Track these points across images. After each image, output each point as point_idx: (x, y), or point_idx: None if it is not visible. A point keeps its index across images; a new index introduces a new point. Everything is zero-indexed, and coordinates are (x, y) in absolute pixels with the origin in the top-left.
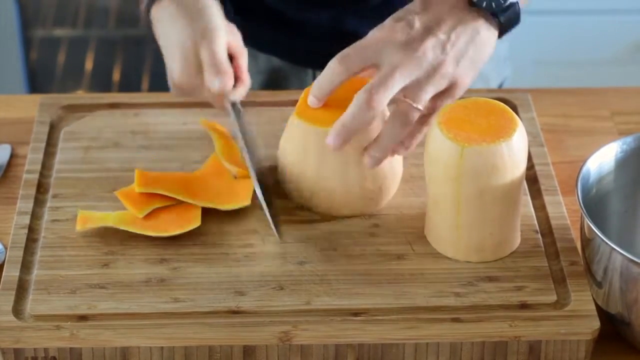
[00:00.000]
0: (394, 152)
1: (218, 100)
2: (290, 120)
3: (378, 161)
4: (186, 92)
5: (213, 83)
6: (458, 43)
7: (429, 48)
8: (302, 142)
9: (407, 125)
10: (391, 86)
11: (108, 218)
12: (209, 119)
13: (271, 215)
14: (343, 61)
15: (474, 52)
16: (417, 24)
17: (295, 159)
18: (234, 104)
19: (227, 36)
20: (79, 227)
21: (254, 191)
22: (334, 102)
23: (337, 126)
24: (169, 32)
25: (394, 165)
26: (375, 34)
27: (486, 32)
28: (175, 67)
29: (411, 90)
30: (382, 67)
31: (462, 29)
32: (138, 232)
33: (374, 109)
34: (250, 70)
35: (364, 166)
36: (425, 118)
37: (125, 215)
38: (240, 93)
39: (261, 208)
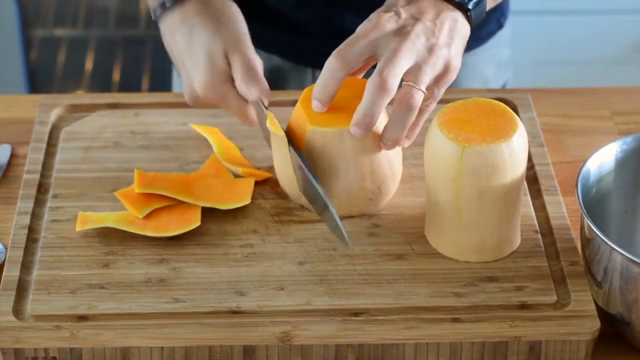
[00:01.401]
0: (396, 144)
1: (242, 111)
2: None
3: (393, 145)
4: (207, 103)
5: (251, 92)
6: (443, 28)
7: (420, 32)
8: (306, 143)
9: (413, 108)
10: (398, 65)
11: (107, 218)
12: (203, 121)
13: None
14: (340, 57)
15: (457, 37)
16: (404, 14)
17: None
18: (264, 105)
19: None
20: (78, 228)
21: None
22: (332, 104)
23: (357, 115)
24: (192, 39)
25: (393, 165)
26: (365, 27)
27: (463, 21)
28: (200, 76)
29: (412, 73)
30: (382, 54)
31: (445, 17)
32: (137, 232)
33: (388, 89)
34: None
35: (362, 166)
36: (425, 107)
37: (125, 216)
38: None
39: (327, 218)
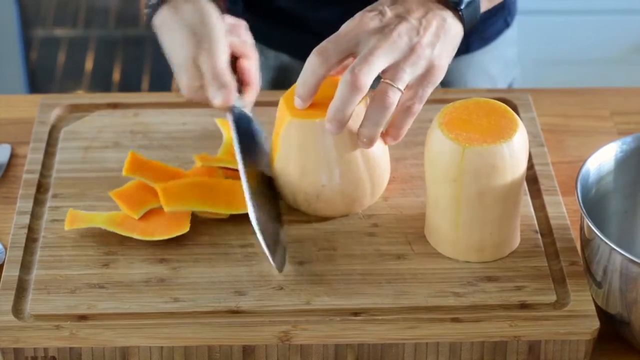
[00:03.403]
0: (372, 141)
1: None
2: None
3: (368, 143)
4: (196, 100)
5: (215, 98)
6: (430, 28)
7: (403, 31)
8: (286, 135)
9: (388, 106)
10: (372, 63)
11: (96, 219)
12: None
13: (267, 241)
14: (321, 54)
15: (445, 37)
16: (389, 13)
17: (280, 153)
18: (235, 110)
19: (228, 46)
20: (67, 226)
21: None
22: (316, 100)
23: (329, 112)
24: (171, 44)
25: (377, 156)
26: (349, 25)
27: (453, 20)
28: (181, 81)
29: (390, 71)
30: (360, 52)
31: (432, 16)
32: (125, 234)
33: (359, 87)
34: (259, 66)
35: (346, 158)
36: (408, 108)
37: (114, 217)
38: (249, 99)
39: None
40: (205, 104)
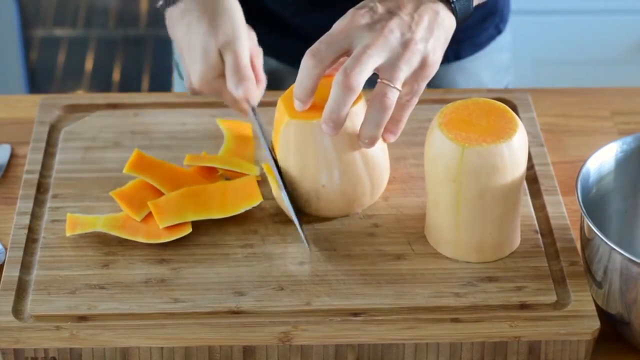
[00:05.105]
0: (373, 142)
1: (237, 103)
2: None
3: (370, 144)
4: (204, 94)
5: (237, 89)
6: (422, 22)
7: (395, 27)
8: (284, 136)
9: (388, 107)
10: (364, 63)
11: (97, 222)
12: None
13: (299, 222)
14: (314, 55)
15: (438, 30)
16: (380, 9)
17: (279, 154)
18: (252, 106)
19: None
20: (68, 232)
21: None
22: (314, 101)
23: (325, 113)
24: (190, 34)
25: (376, 155)
26: (340, 24)
27: (445, 13)
28: (195, 69)
29: (386, 70)
30: (354, 49)
31: (424, 10)
32: (127, 237)
33: (353, 88)
34: None
35: (345, 159)
36: (406, 102)
37: (116, 219)
38: (258, 95)
39: (288, 213)
40: (210, 97)
